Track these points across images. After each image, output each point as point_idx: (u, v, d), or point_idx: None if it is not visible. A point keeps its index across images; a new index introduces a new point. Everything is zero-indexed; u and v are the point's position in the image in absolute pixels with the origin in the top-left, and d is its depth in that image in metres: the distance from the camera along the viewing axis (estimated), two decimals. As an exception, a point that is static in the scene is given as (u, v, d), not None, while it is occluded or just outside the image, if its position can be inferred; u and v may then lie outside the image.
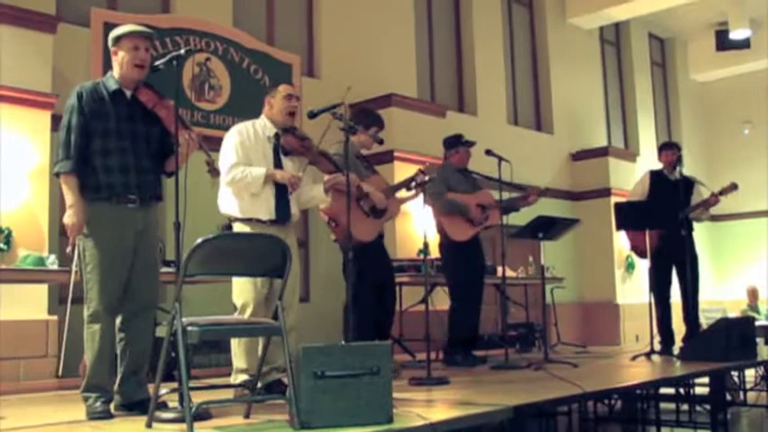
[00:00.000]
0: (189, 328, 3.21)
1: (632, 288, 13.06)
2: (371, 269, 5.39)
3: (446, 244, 6.54)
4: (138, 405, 3.74)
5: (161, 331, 3.40)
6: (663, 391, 6.40)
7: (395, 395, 3.37)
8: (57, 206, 6.21)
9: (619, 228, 7.56)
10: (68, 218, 3.69)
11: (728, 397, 6.98)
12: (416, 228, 9.54)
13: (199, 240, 3.20)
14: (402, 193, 5.82)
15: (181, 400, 3.36)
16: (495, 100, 12.42)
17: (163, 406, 3.56)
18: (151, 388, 3.52)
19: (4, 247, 6.35)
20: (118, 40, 3.87)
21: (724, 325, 6.33)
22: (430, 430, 3.19)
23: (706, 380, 6.37)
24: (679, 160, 7.32)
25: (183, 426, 3.10)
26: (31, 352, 6.39)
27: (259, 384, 4.15)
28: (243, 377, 4.35)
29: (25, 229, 6.56)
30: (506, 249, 6.34)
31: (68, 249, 3.78)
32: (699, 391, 6.70)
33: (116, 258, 3.74)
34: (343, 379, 3.19)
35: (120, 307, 3.80)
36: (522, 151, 10.61)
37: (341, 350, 3.27)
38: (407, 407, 3.66)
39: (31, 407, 4.43)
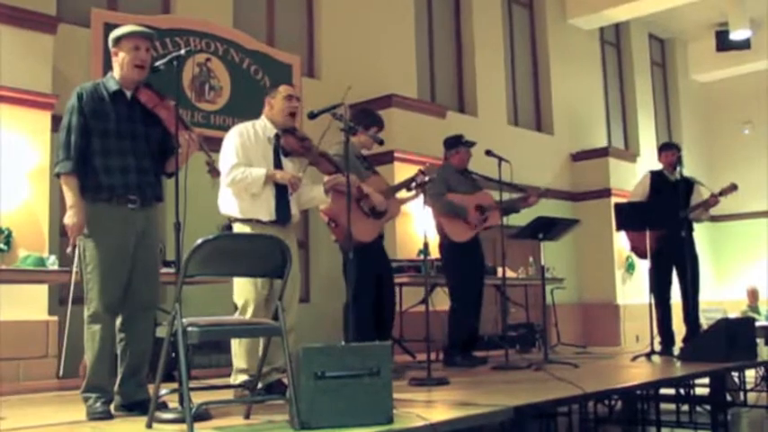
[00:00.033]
0: (189, 329, 3.21)
1: (632, 289, 13.06)
2: (371, 269, 5.39)
3: (446, 244, 6.54)
4: (138, 405, 3.74)
5: (161, 332, 3.40)
6: (663, 391, 6.40)
7: (395, 396, 3.37)
8: (57, 207, 6.21)
9: (619, 228, 7.56)
10: (69, 218, 3.69)
11: (729, 398, 6.97)
12: (416, 228, 9.54)
13: (199, 241, 3.20)
14: (402, 194, 5.82)
15: (181, 401, 3.36)
16: (495, 100, 12.42)
17: (163, 406, 3.56)
18: (151, 388, 3.53)
19: (5, 247, 6.35)
20: (118, 40, 3.87)
21: (724, 325, 6.33)
22: (430, 431, 3.19)
23: (706, 380, 6.37)
24: (679, 161, 7.31)
25: (184, 426, 3.10)
26: (32, 352, 6.39)
27: (259, 385, 4.16)
28: (243, 377, 4.35)
29: (25, 229, 6.56)
30: (506, 250, 6.35)
31: (69, 250, 3.78)
32: (699, 391, 6.70)
33: (116, 259, 3.74)
34: (343, 379, 3.19)
35: (121, 307, 3.80)
36: (522, 152, 10.61)
37: (341, 351, 3.27)
38: (407, 407, 3.66)
39: (32, 407, 4.43)
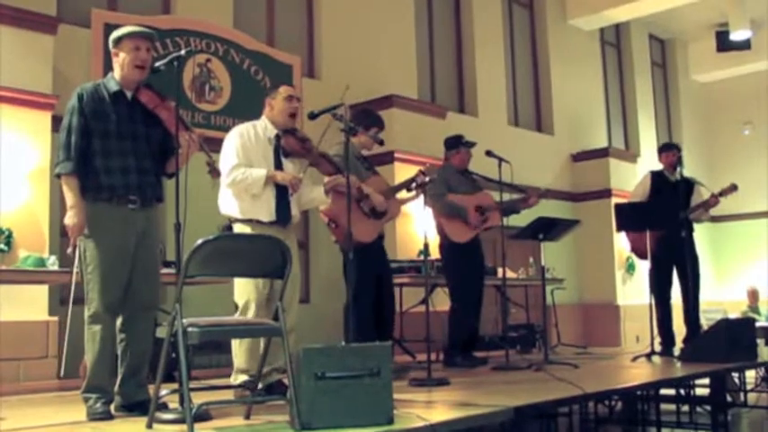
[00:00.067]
0: (189, 329, 3.21)
1: (633, 289, 13.06)
2: (372, 270, 5.39)
3: (446, 245, 6.54)
4: (138, 406, 3.74)
5: (161, 332, 3.40)
6: (663, 392, 6.40)
7: (395, 396, 3.37)
8: (57, 207, 6.21)
9: (619, 229, 7.56)
10: (69, 219, 3.69)
11: (729, 398, 6.97)
12: (417, 229, 9.54)
13: (199, 241, 3.20)
14: (403, 194, 5.82)
15: (181, 401, 3.37)
16: (495, 101, 12.43)
17: (163, 407, 3.56)
18: (151, 389, 3.53)
19: (5, 247, 6.35)
20: (119, 41, 3.87)
21: (724, 326, 6.33)
22: (430, 431, 3.19)
23: (706, 381, 6.38)
24: (679, 161, 7.31)
25: (184, 427, 3.10)
26: (32, 353, 6.39)
27: (260, 385, 4.16)
28: (243, 377, 4.35)
29: (26, 229, 6.56)
30: (507, 250, 6.35)
31: (69, 250, 3.78)
32: (699, 392, 6.70)
33: (117, 259, 3.74)
34: (343, 380, 3.19)
35: (121, 308, 3.80)
36: (522, 152, 10.61)
37: (341, 351, 3.27)
38: (408, 408, 3.66)
39: (32, 408, 4.43)
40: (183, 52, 3.86)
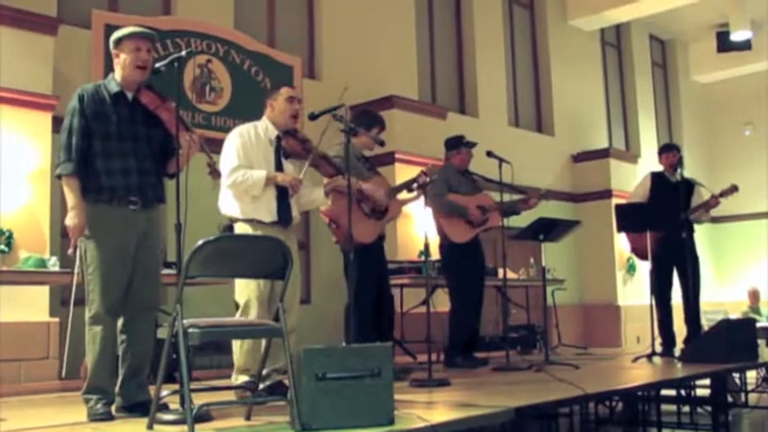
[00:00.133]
0: (190, 330, 3.21)
1: (633, 290, 13.07)
2: (372, 270, 5.40)
3: (446, 245, 6.54)
4: (139, 407, 3.74)
5: (162, 333, 3.40)
6: (664, 392, 6.39)
7: (396, 397, 3.37)
8: (58, 208, 6.21)
9: (620, 229, 7.56)
10: (70, 220, 3.69)
11: (730, 399, 6.96)
12: (417, 229, 9.54)
13: (200, 242, 3.20)
14: (403, 195, 5.82)
15: (182, 402, 3.37)
16: (496, 101, 12.43)
17: (164, 408, 3.56)
18: (152, 390, 3.53)
19: (6, 248, 6.35)
20: (119, 41, 3.87)
21: (725, 326, 6.33)
22: (431, 432, 3.20)
23: (707, 381, 6.37)
24: (680, 162, 7.31)
25: (184, 427, 3.10)
26: (33, 354, 6.39)
27: (260, 386, 4.16)
28: (244, 378, 4.35)
29: (26, 230, 6.56)
30: (507, 251, 6.34)
31: (70, 251, 3.78)
32: (700, 392, 6.69)
33: (117, 260, 3.74)
34: (344, 381, 3.19)
35: (122, 309, 3.80)
36: (522, 153, 10.61)
37: (342, 352, 3.27)
38: (408, 408, 3.66)
39: (33, 409, 4.43)
40: (183, 53, 3.86)
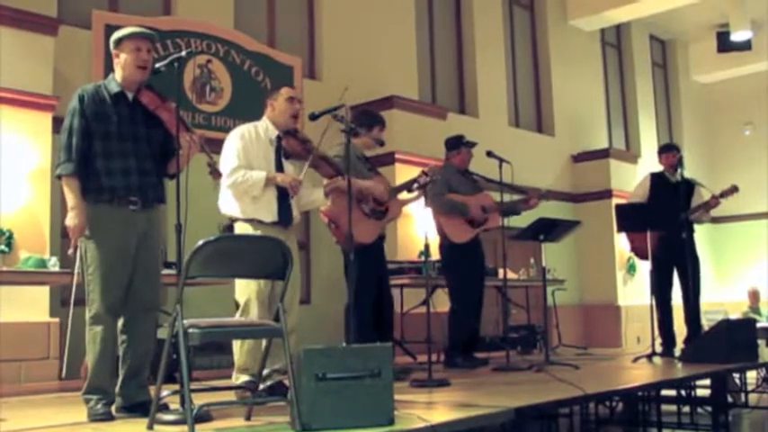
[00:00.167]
0: (190, 330, 3.21)
1: (634, 290, 13.07)
2: (372, 270, 5.39)
3: (446, 245, 6.54)
4: (139, 407, 3.74)
5: (162, 333, 3.41)
6: (664, 392, 6.39)
7: (396, 397, 3.37)
8: (58, 208, 6.21)
9: (620, 230, 7.56)
10: (70, 220, 3.69)
11: (730, 399, 6.97)
12: (418, 230, 9.54)
13: (200, 242, 3.20)
14: (404, 195, 5.83)
15: (182, 402, 3.37)
16: (496, 102, 12.43)
17: (164, 408, 3.56)
18: (152, 390, 3.53)
19: (6, 249, 6.36)
20: (119, 42, 3.87)
21: (725, 327, 6.33)
22: (431, 432, 3.19)
23: (707, 382, 6.37)
24: (680, 162, 7.31)
25: (185, 427, 3.10)
26: (33, 354, 6.39)
27: (260, 386, 4.17)
28: (244, 377, 4.36)
29: (27, 231, 6.56)
30: (507, 251, 6.34)
31: (70, 251, 3.78)
32: (700, 393, 6.70)
33: (118, 260, 3.74)
34: (344, 381, 3.19)
35: (122, 309, 3.80)
36: (523, 153, 10.61)
37: (342, 352, 3.27)
38: (408, 409, 3.66)
39: (33, 409, 4.43)
40: (183, 53, 3.86)
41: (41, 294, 6.55)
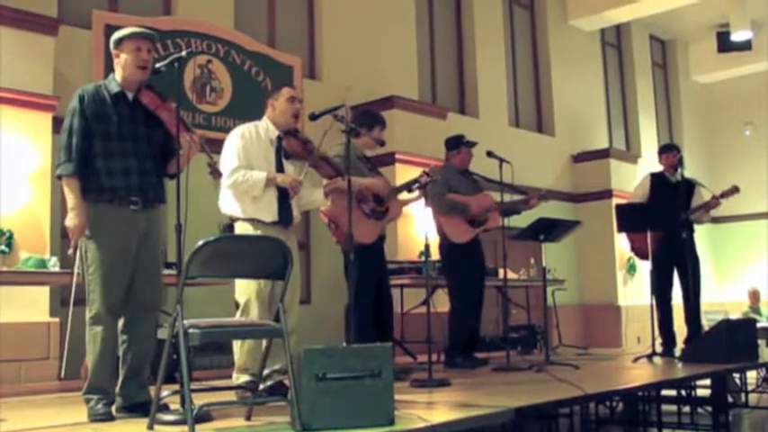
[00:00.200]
0: (190, 331, 3.21)
1: (634, 290, 13.07)
2: (372, 270, 5.39)
3: (446, 246, 6.53)
4: (139, 407, 3.74)
5: (162, 333, 3.40)
6: (664, 392, 6.39)
7: (396, 397, 3.37)
8: (58, 208, 6.21)
9: (620, 230, 7.56)
10: (70, 220, 3.69)
11: (730, 399, 6.97)
12: (418, 230, 9.54)
13: (200, 242, 3.20)
14: (404, 195, 5.82)
15: (182, 402, 3.37)
16: (496, 102, 12.43)
17: (164, 408, 3.56)
18: (152, 390, 3.53)
19: (6, 249, 6.36)
20: (120, 42, 3.87)
21: (725, 327, 6.33)
22: (431, 432, 3.19)
23: (707, 382, 6.37)
24: (680, 162, 7.31)
25: (185, 428, 3.10)
26: (33, 354, 6.39)
27: (261, 386, 4.17)
28: (245, 377, 4.36)
29: (27, 231, 6.56)
30: (507, 251, 6.34)
31: (70, 252, 3.78)
32: (700, 393, 6.69)
33: (118, 260, 3.74)
34: (344, 381, 3.19)
35: (123, 309, 3.80)
36: (523, 153, 10.60)
37: (342, 352, 3.27)
38: (409, 409, 3.66)
39: (33, 409, 4.43)
40: (183, 53, 3.86)
41: (41, 294, 6.55)
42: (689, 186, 7.36)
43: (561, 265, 10.94)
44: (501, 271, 7.24)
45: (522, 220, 6.97)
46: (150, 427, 3.32)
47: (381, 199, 5.50)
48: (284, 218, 4.52)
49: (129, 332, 3.83)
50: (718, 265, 15.88)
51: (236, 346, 4.43)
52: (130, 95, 3.88)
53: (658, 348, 6.85)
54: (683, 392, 6.60)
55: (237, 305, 4.44)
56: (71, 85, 6.01)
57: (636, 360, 6.63)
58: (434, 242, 6.41)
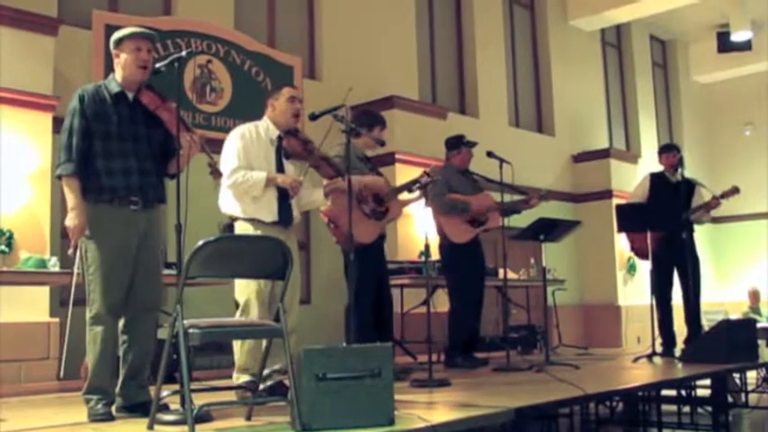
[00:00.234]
0: (190, 331, 3.21)
1: (634, 290, 13.07)
2: (372, 270, 5.39)
3: (446, 245, 6.53)
4: (139, 407, 3.74)
5: (162, 333, 3.41)
6: (664, 393, 6.39)
7: (396, 397, 3.37)
8: (58, 208, 6.21)
9: (620, 230, 7.55)
10: (70, 220, 3.69)
11: (730, 399, 6.97)
12: (418, 230, 9.54)
13: (200, 242, 3.20)
14: (404, 195, 5.83)
15: (182, 402, 3.37)
16: (496, 102, 12.43)
17: (164, 408, 3.56)
18: (152, 390, 3.53)
19: (6, 249, 6.36)
20: (120, 42, 3.87)
21: (725, 327, 6.33)
22: (431, 432, 3.19)
23: (707, 382, 6.37)
24: (680, 162, 7.31)
25: (185, 428, 3.10)
26: (33, 354, 6.39)
27: (261, 386, 4.17)
28: (245, 377, 4.36)
29: (27, 231, 6.56)
30: (508, 251, 6.33)
31: (70, 252, 3.78)
32: (700, 393, 6.69)
33: (118, 261, 3.74)
34: (344, 381, 3.19)
35: (123, 309, 3.80)
36: (523, 153, 10.61)
37: (342, 352, 3.27)
38: (409, 409, 3.66)
39: (33, 409, 4.43)
40: (183, 53, 3.86)
41: (41, 294, 6.55)
42: (689, 186, 7.35)
43: (561, 265, 10.94)
44: (501, 271, 7.23)
45: (522, 220, 6.97)
46: (150, 427, 3.32)
47: (381, 199, 5.50)
48: (284, 218, 4.52)
49: (130, 332, 3.83)
50: (718, 265, 15.88)
51: (236, 346, 4.43)
52: (130, 95, 3.88)
53: (658, 348, 6.84)
54: (683, 392, 6.60)
55: (237, 305, 4.43)
56: (71, 85, 6.01)
57: (636, 360, 6.63)
58: (434, 242, 6.41)
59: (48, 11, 7.19)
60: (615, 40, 15.60)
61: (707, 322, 8.97)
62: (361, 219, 5.25)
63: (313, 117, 4.54)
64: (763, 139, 16.23)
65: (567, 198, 13.13)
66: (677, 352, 6.90)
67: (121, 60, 3.85)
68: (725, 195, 7.26)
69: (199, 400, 3.50)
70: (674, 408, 6.56)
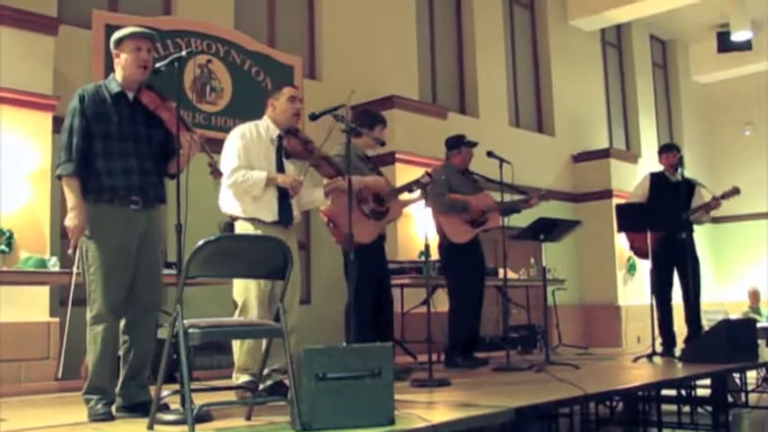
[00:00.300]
0: (190, 330, 3.21)
1: (634, 290, 13.07)
2: (372, 270, 5.39)
3: (445, 245, 6.53)
4: (139, 407, 3.74)
5: (162, 333, 3.41)
6: (664, 392, 6.39)
7: (396, 397, 3.37)
8: (58, 208, 6.21)
9: (620, 229, 7.55)
10: (70, 220, 3.69)
11: (730, 399, 6.97)
12: (418, 230, 9.54)
13: (200, 242, 3.20)
14: (405, 195, 5.82)
15: (182, 402, 3.37)
16: (496, 102, 12.43)
17: (164, 408, 3.56)
18: (153, 390, 3.53)
19: (6, 249, 6.36)
20: (120, 42, 3.87)
21: (725, 327, 6.33)
22: (431, 432, 3.19)
23: (708, 381, 6.37)
24: (680, 162, 7.30)
25: (185, 427, 3.10)
26: (33, 354, 6.39)
27: (261, 386, 4.17)
28: (245, 377, 4.36)
29: (27, 231, 6.56)
30: (508, 251, 6.33)
31: (70, 251, 3.78)
32: (700, 392, 6.69)
33: (119, 260, 3.74)
34: (344, 381, 3.19)
35: (124, 309, 3.80)
36: (523, 153, 10.61)
37: (342, 352, 3.27)
38: (409, 408, 3.66)
39: (33, 409, 4.43)
40: (183, 53, 3.86)
41: (41, 294, 6.55)
42: (689, 186, 7.35)
43: (561, 265, 10.94)
44: (501, 271, 7.23)
45: (522, 220, 6.96)
46: (150, 426, 3.32)
47: (382, 199, 5.50)
48: (284, 217, 4.52)
49: (131, 333, 3.83)
50: (718, 265, 15.88)
51: (236, 346, 4.43)
52: (131, 95, 3.88)
53: (658, 348, 6.84)
54: (683, 392, 6.60)
55: (236, 305, 4.43)
56: (71, 85, 6.01)
57: (636, 360, 6.63)
58: (434, 242, 6.41)
59: (48, 11, 7.19)
60: (615, 40, 15.60)
61: (707, 322, 8.97)
62: (360, 219, 5.25)
63: (313, 117, 4.54)
64: (763, 139, 16.23)
65: (566, 198, 13.13)
66: (677, 352, 6.90)
67: (121, 60, 3.85)
68: (725, 196, 7.26)
69: (199, 399, 3.50)
70: (674, 407, 6.56)
